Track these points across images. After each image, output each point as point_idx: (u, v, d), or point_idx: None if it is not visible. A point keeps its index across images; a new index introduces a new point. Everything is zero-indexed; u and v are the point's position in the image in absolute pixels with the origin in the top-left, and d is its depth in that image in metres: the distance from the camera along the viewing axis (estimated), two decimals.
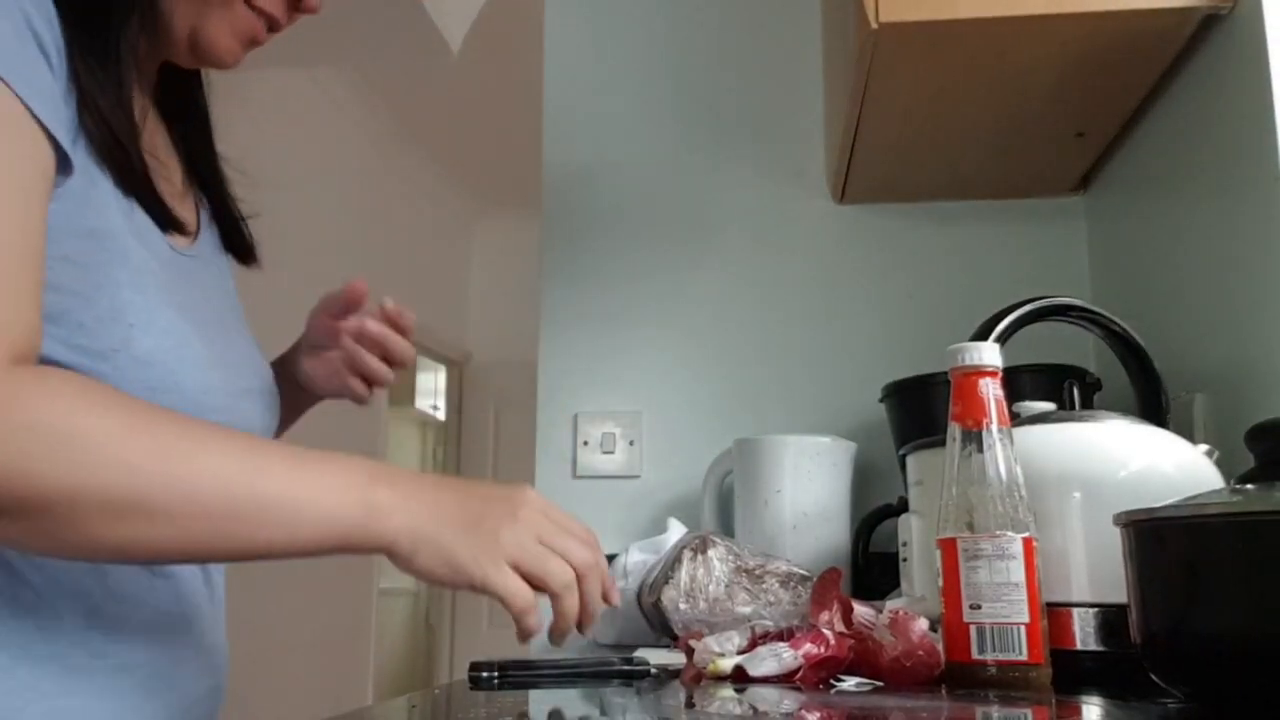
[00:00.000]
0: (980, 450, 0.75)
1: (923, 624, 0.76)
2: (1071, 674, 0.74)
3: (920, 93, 1.31)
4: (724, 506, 1.49)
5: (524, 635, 0.68)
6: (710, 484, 1.51)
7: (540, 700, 0.74)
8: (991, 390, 0.77)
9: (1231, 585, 0.60)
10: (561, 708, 0.71)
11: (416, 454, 5.49)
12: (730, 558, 1.04)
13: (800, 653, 0.76)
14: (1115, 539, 0.68)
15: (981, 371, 0.77)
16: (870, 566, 1.36)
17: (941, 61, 1.23)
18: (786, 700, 0.69)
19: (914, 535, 1.02)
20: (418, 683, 5.21)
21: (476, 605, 4.79)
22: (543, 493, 1.71)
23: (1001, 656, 0.71)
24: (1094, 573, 0.78)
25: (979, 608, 0.72)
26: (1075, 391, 0.92)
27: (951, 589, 0.73)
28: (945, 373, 0.79)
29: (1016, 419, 0.85)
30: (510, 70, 3.65)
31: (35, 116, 0.63)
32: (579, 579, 0.69)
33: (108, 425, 0.60)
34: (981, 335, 0.99)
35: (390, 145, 4.51)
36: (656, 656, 0.84)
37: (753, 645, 0.81)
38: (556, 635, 0.70)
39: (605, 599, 0.71)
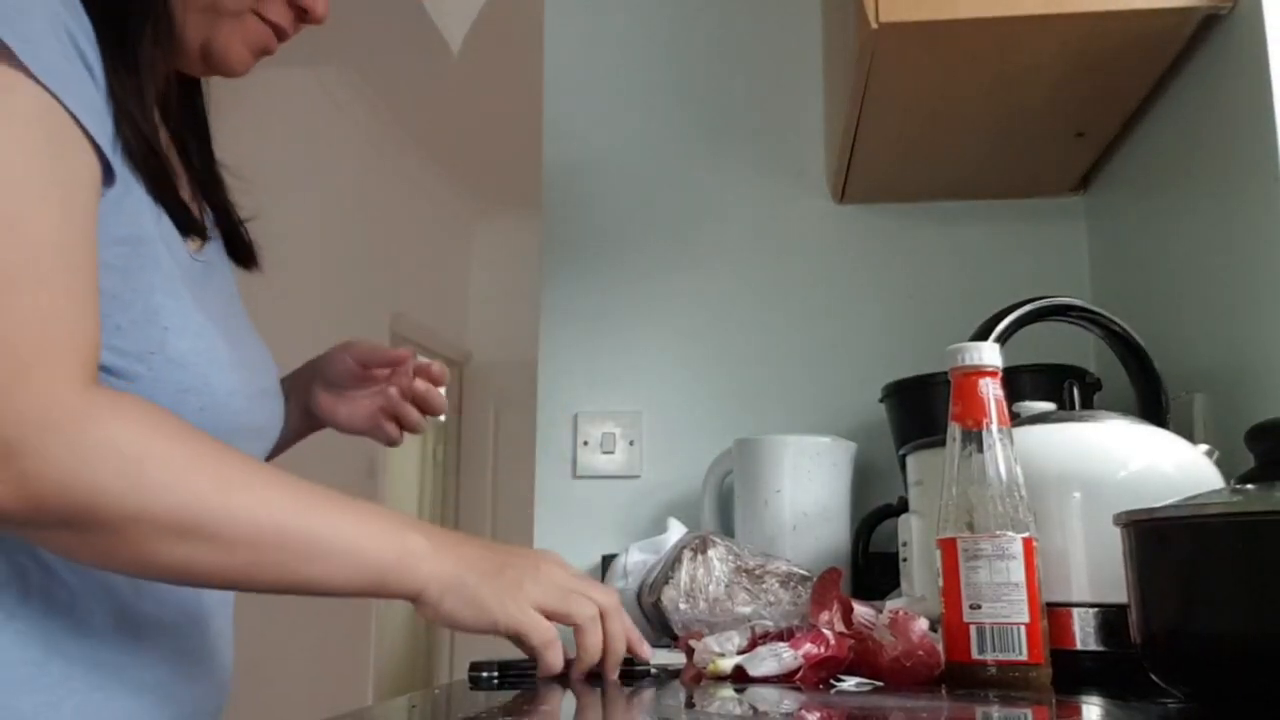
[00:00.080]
0: (980, 450, 0.75)
1: (923, 624, 0.76)
2: (1071, 674, 0.74)
3: (920, 93, 1.31)
4: (724, 506, 1.49)
5: (546, 671, 0.71)
6: (710, 484, 1.51)
7: (540, 700, 0.74)
8: (991, 390, 0.77)
9: (1231, 585, 0.60)
10: (561, 708, 0.71)
11: (416, 454, 5.50)
12: (730, 558, 1.04)
13: (800, 653, 0.76)
14: (1115, 539, 0.68)
15: (981, 371, 0.77)
16: (870, 566, 1.36)
17: (941, 61, 1.23)
18: (786, 700, 0.69)
19: (914, 535, 1.02)
20: (418, 683, 5.21)
21: None
22: (543, 492, 1.72)
23: (1001, 656, 0.71)
24: (1094, 573, 0.78)
25: (979, 608, 0.72)
26: (1075, 391, 0.92)
27: (951, 589, 0.73)
28: (945, 373, 0.79)
29: (1016, 419, 0.85)
30: (510, 70, 3.65)
31: (85, 130, 0.66)
32: (603, 617, 0.72)
33: (175, 452, 0.64)
34: (981, 335, 0.99)
35: (390, 145, 4.51)
36: (656, 656, 0.84)
37: (753, 645, 0.81)
38: (579, 670, 0.73)
39: (632, 651, 0.75)
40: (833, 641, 0.77)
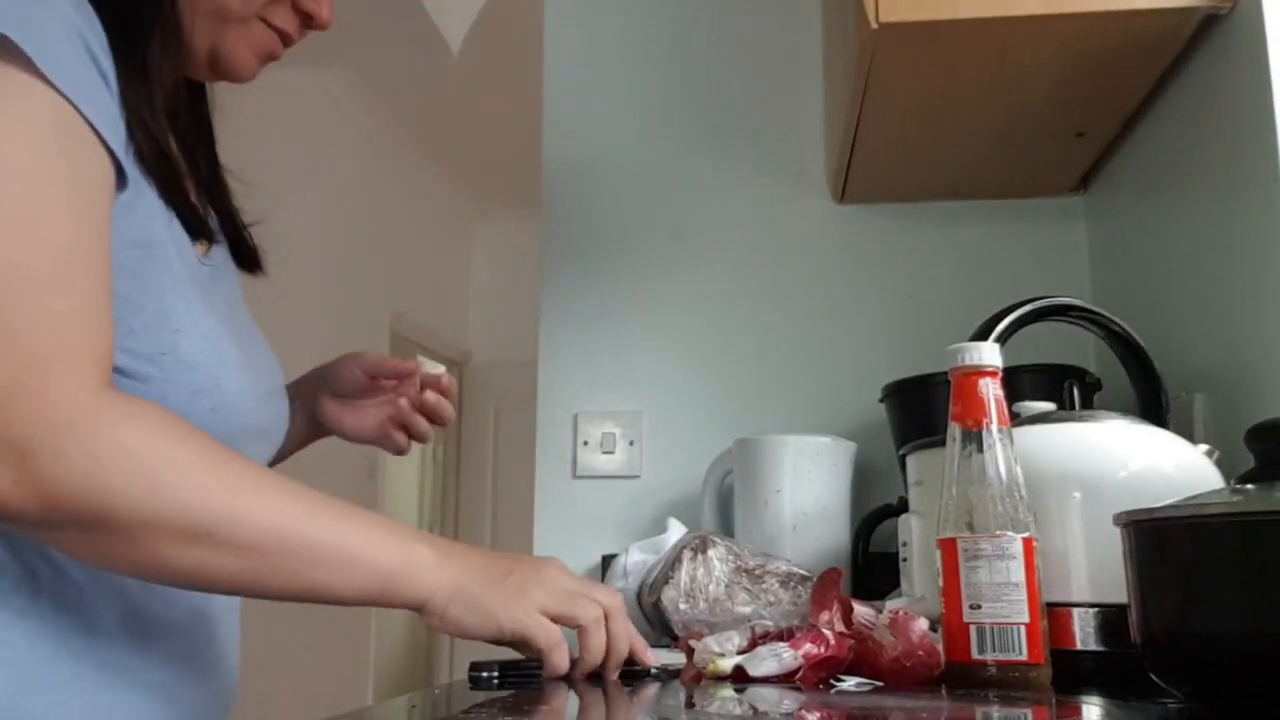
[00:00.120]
0: (980, 450, 0.75)
1: (923, 624, 0.76)
2: (1071, 674, 0.74)
3: (920, 93, 1.31)
4: (724, 506, 1.49)
5: (553, 672, 0.72)
6: (710, 484, 1.51)
7: (540, 700, 0.74)
8: (991, 390, 0.77)
9: (1231, 585, 0.60)
10: (562, 707, 0.71)
11: (417, 454, 5.49)
12: (730, 558, 1.04)
13: (800, 653, 0.76)
14: (1115, 539, 0.68)
15: (981, 371, 0.77)
16: (870, 566, 1.36)
17: (941, 61, 1.23)
18: (786, 700, 0.69)
19: (914, 535, 1.02)
20: (418, 683, 5.21)
21: None
22: (543, 492, 1.72)
23: (1001, 656, 0.71)
24: (1094, 573, 0.78)
25: (979, 608, 0.72)
26: (1075, 391, 0.92)
27: (951, 589, 0.73)
28: (945, 373, 0.79)
29: (1016, 419, 0.85)
30: (510, 70, 3.65)
31: (99, 135, 0.67)
32: (606, 619, 0.73)
33: (187, 457, 0.65)
34: (981, 335, 0.99)
35: (390, 145, 4.51)
36: (657, 656, 0.84)
37: (752, 645, 0.81)
38: (582, 670, 0.74)
39: (635, 656, 0.76)
40: (833, 641, 0.77)
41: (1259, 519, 0.59)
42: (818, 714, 0.65)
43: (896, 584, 1.08)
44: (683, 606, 1.02)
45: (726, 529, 1.46)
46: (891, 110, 1.36)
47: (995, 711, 0.65)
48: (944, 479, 0.76)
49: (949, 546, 0.74)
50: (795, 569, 1.05)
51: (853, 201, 1.67)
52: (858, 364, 1.62)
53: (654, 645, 0.90)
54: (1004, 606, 0.71)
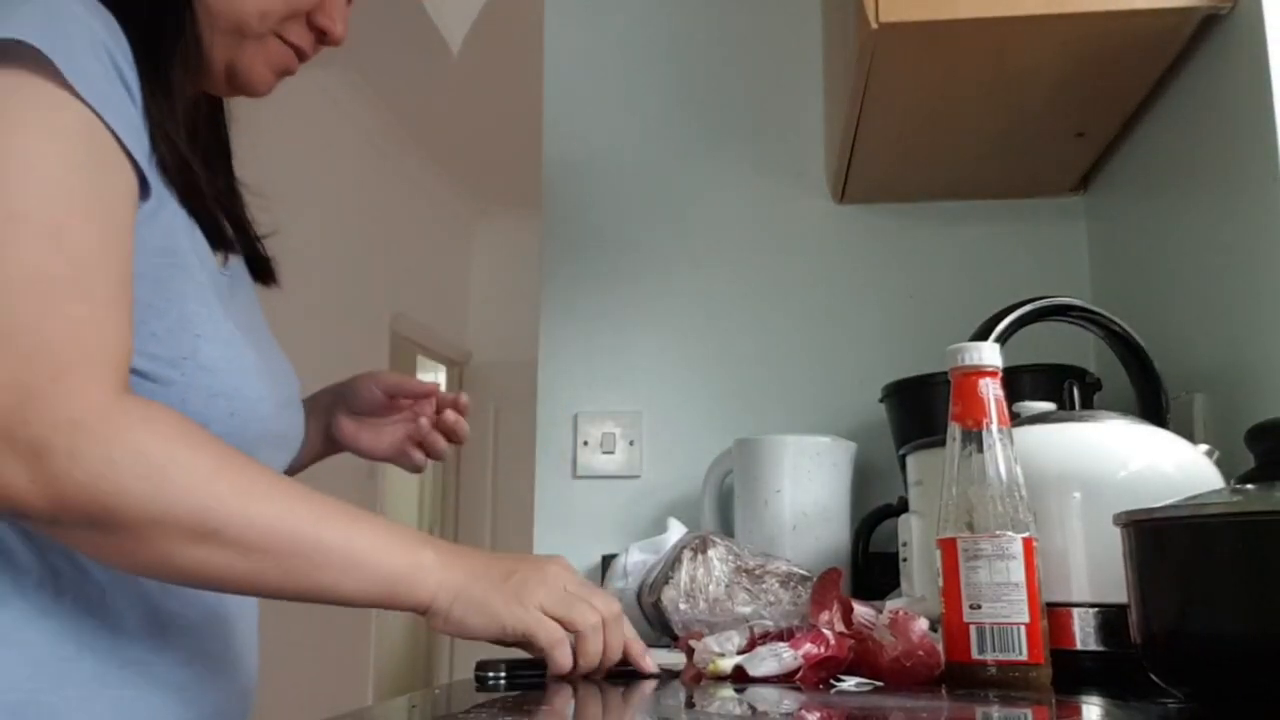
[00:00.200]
0: (980, 450, 0.75)
1: (923, 624, 0.76)
2: (1071, 674, 0.74)
3: (920, 93, 1.31)
4: (724, 506, 1.49)
5: (556, 669, 0.73)
6: (710, 484, 1.51)
7: (542, 700, 0.74)
8: (991, 390, 0.77)
9: (1231, 585, 0.60)
10: (562, 708, 0.71)
11: None
12: (730, 558, 1.04)
13: (800, 653, 0.76)
14: (1115, 539, 0.68)
15: (981, 371, 0.77)
16: (870, 566, 1.36)
17: (941, 61, 1.23)
18: (786, 700, 0.69)
19: (914, 535, 1.02)
20: (418, 683, 5.21)
21: None
22: (543, 492, 1.71)
23: (1001, 656, 0.71)
24: (1094, 573, 0.78)
25: (979, 608, 0.72)
26: (1075, 391, 0.92)
27: (951, 589, 0.73)
28: (945, 373, 0.79)
29: (1016, 419, 0.85)
30: (510, 71, 3.65)
31: (124, 146, 0.69)
32: (605, 623, 0.74)
33: (197, 459, 0.66)
34: (981, 335, 0.99)
35: (391, 145, 4.51)
36: (657, 657, 0.84)
37: (753, 645, 0.81)
38: (577, 674, 0.75)
39: (635, 662, 0.77)
40: (833, 641, 0.77)
41: (1259, 519, 0.59)
42: (818, 714, 0.65)
43: (896, 584, 1.08)
44: (683, 606, 1.02)
45: (726, 529, 1.45)
46: (891, 110, 1.36)
47: (995, 711, 0.65)
48: (944, 479, 0.76)
49: (949, 546, 0.74)
50: (795, 569, 1.05)
51: (853, 201, 1.67)
52: (858, 364, 1.62)
53: (654, 645, 0.90)
54: (1004, 606, 0.71)
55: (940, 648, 0.74)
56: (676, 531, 1.34)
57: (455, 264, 5.36)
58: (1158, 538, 0.64)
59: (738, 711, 0.67)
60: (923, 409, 1.36)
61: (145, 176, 0.72)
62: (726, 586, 1.02)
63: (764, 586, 1.02)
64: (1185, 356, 1.21)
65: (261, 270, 0.95)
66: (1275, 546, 0.58)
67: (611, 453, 1.66)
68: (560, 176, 1.77)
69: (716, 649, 0.81)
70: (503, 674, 0.75)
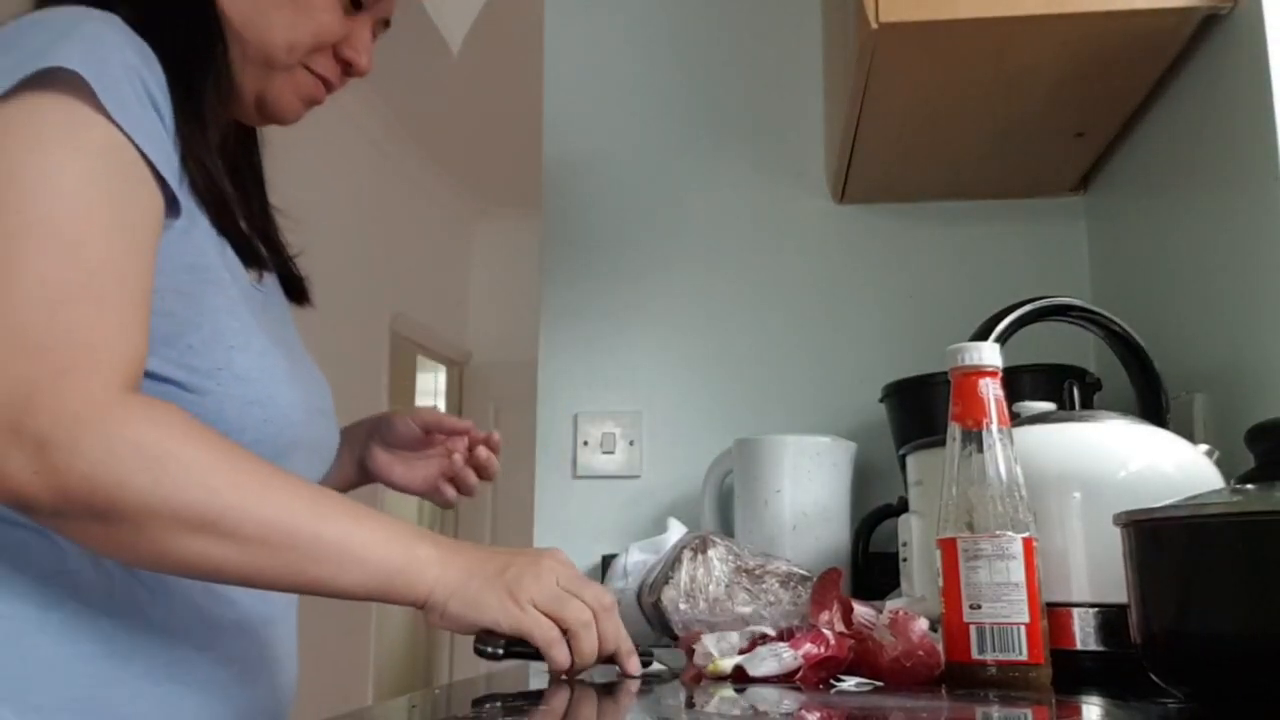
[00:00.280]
0: (980, 450, 0.75)
1: (923, 624, 0.76)
2: (1071, 674, 0.74)
3: (920, 92, 1.31)
4: (724, 506, 1.49)
5: (554, 668, 0.73)
6: (710, 484, 1.51)
7: (541, 700, 0.74)
8: (991, 390, 0.77)
9: (1231, 585, 0.60)
10: (560, 707, 0.71)
11: None
12: (730, 558, 1.04)
13: (800, 653, 0.76)
14: (1115, 539, 0.68)
15: (981, 371, 0.77)
16: (870, 566, 1.36)
17: (941, 61, 1.23)
18: (786, 700, 0.69)
19: (914, 535, 1.02)
20: (418, 683, 5.21)
21: None
22: (543, 492, 1.71)
23: (1001, 656, 0.71)
24: (1094, 573, 0.78)
25: (979, 608, 0.72)
26: (1075, 391, 0.92)
27: (951, 589, 0.73)
28: (945, 373, 0.79)
29: (1016, 419, 0.85)
30: (510, 70, 3.65)
31: (152, 165, 0.73)
32: (596, 617, 0.74)
33: (196, 453, 0.68)
34: (981, 335, 0.99)
35: (391, 145, 4.51)
36: (656, 657, 0.84)
37: (753, 645, 0.81)
38: (573, 672, 0.75)
39: (620, 662, 0.77)
40: (833, 641, 0.77)
41: (1259, 519, 0.59)
42: (818, 714, 0.65)
43: (896, 584, 1.08)
44: (683, 606, 1.02)
45: (726, 529, 1.46)
46: (891, 110, 1.36)
47: (995, 711, 0.65)
48: (944, 479, 0.76)
49: (949, 546, 0.74)
50: (795, 569, 1.05)
51: (853, 201, 1.67)
52: (858, 364, 1.62)
53: (654, 645, 0.90)
54: (1004, 606, 0.71)
55: (940, 648, 0.74)
56: (676, 531, 1.34)
57: (455, 264, 5.36)
58: (1157, 538, 0.64)
59: (738, 711, 0.67)
60: (923, 409, 1.36)
61: (175, 196, 0.76)
62: (726, 586, 1.02)
63: (764, 586, 1.02)
64: (1185, 356, 1.21)
65: (295, 289, 0.99)
66: (1275, 546, 0.58)
67: (611, 453, 1.66)
68: (560, 176, 1.77)
69: (716, 649, 0.81)
70: (501, 646, 0.75)
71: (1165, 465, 0.82)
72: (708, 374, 1.67)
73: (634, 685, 0.77)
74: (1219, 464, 0.84)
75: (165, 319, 0.75)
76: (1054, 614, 0.75)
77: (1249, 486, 0.64)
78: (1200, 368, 1.19)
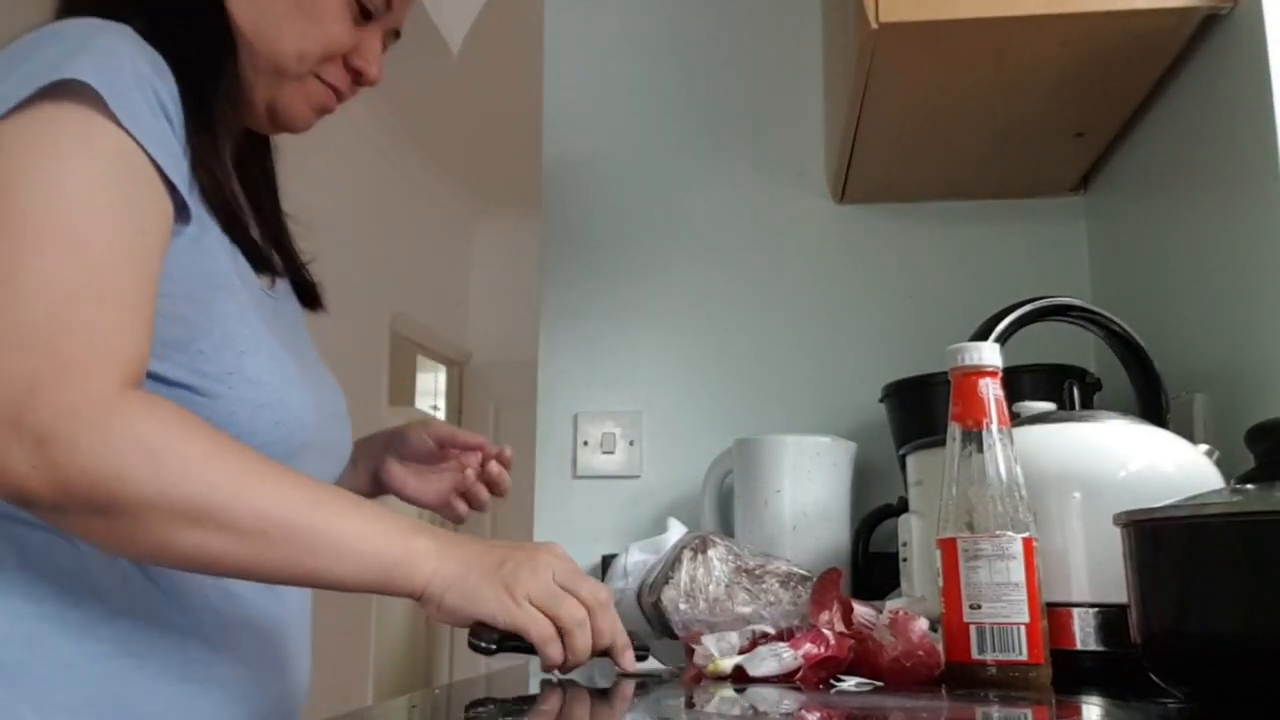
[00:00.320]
0: (980, 450, 0.75)
1: (923, 624, 0.76)
2: (1071, 674, 0.74)
3: (920, 92, 1.31)
4: (724, 506, 1.49)
5: (547, 665, 0.74)
6: (710, 484, 1.51)
7: (541, 700, 0.74)
8: (991, 390, 0.77)
9: (1231, 585, 0.60)
10: (558, 709, 0.71)
11: None
12: (730, 558, 1.04)
13: (800, 653, 0.76)
14: (1115, 539, 0.68)
15: (981, 371, 0.77)
16: (870, 566, 1.36)
17: (941, 61, 1.23)
18: (786, 700, 0.69)
19: (914, 535, 1.02)
20: (418, 683, 5.21)
21: None
22: (543, 492, 1.71)
23: (1001, 656, 0.71)
24: (1094, 573, 0.78)
25: (979, 608, 0.72)
26: (1075, 391, 0.92)
27: (951, 589, 0.73)
28: (945, 373, 0.79)
29: (1016, 419, 0.85)
30: (510, 70, 3.65)
31: (161, 171, 0.74)
32: (591, 612, 0.74)
33: (194, 447, 0.69)
34: (981, 335, 0.99)
35: (390, 145, 4.51)
36: (650, 662, 0.84)
37: (753, 645, 0.81)
38: (566, 668, 0.75)
39: (613, 657, 0.76)
40: (833, 641, 0.77)
41: (1259, 519, 0.59)
42: (818, 714, 0.65)
43: (896, 584, 1.08)
44: (683, 606, 1.02)
45: (726, 529, 1.45)
46: (891, 110, 1.36)
47: (995, 711, 0.65)
48: (944, 479, 0.76)
49: (949, 546, 0.74)
50: (795, 569, 1.05)
51: (853, 201, 1.67)
52: (858, 364, 1.62)
53: (648, 638, 0.90)
54: (1004, 606, 0.71)
55: (940, 648, 0.74)
56: (676, 531, 1.34)
57: (455, 264, 5.36)
58: (1157, 538, 0.64)
59: (737, 711, 0.67)
60: (923, 409, 1.36)
61: (185, 202, 0.77)
62: (726, 586, 1.02)
63: (764, 586, 1.02)
64: (1185, 356, 1.21)
65: (308, 295, 1.01)
66: (1275, 546, 0.58)
67: (611, 453, 1.66)
68: (560, 176, 1.77)
69: (716, 649, 0.81)
70: (495, 640, 0.75)
71: (1165, 465, 0.82)
72: (708, 374, 1.67)
73: (629, 690, 0.77)
74: (1219, 464, 0.84)
75: (177, 325, 0.77)
76: (1054, 614, 0.75)
77: (1249, 486, 0.64)
78: (1200, 368, 1.19)
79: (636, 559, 1.29)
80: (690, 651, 0.84)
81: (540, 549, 0.77)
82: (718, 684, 0.77)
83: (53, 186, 0.70)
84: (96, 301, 0.69)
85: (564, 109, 1.78)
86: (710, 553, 1.04)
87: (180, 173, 0.77)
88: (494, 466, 1.08)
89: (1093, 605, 0.78)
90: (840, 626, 0.79)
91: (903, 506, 1.12)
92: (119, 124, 0.72)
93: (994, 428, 0.75)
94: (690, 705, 0.70)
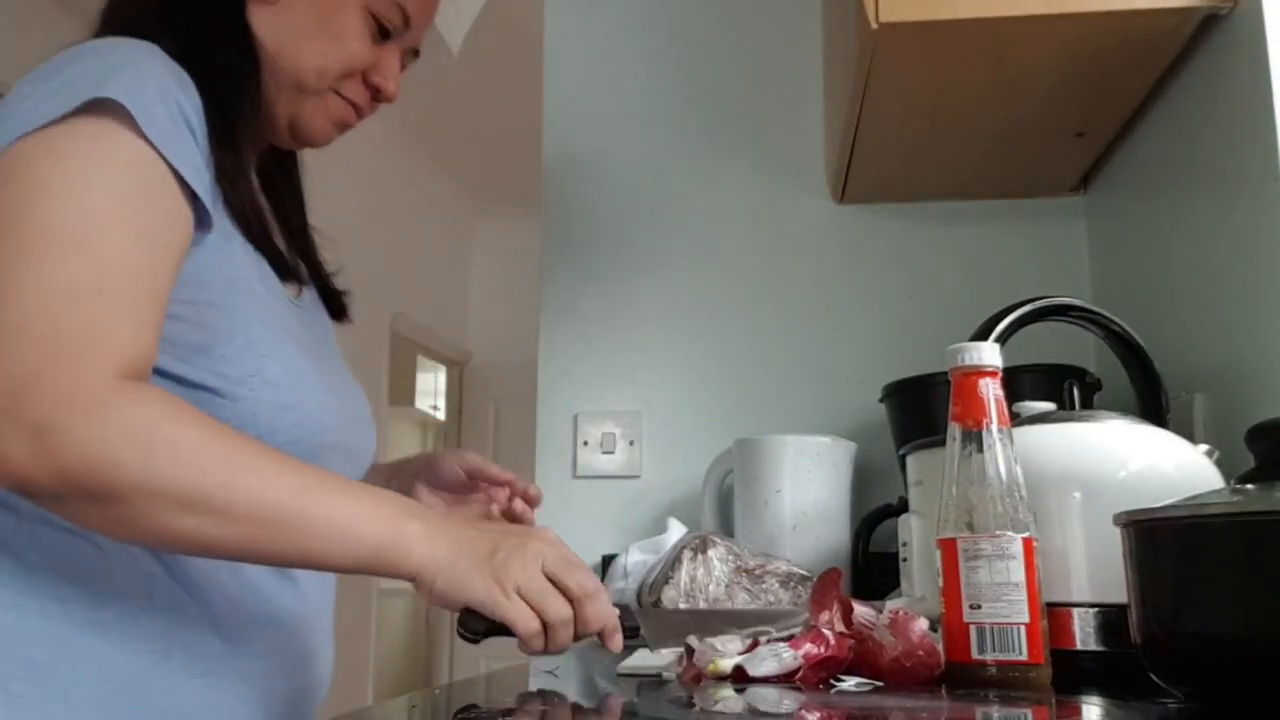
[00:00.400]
0: (980, 450, 0.75)
1: (923, 624, 0.76)
2: (1071, 674, 0.74)
3: (920, 93, 1.31)
4: (724, 506, 1.49)
5: (527, 652, 0.75)
6: (710, 484, 1.51)
7: (540, 700, 0.74)
8: (991, 390, 0.77)
9: (1231, 585, 0.59)
10: (560, 708, 0.71)
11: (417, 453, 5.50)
12: (730, 558, 1.04)
13: (800, 653, 0.76)
14: (1115, 539, 0.68)
15: (981, 371, 0.77)
16: (870, 566, 1.36)
17: (941, 62, 1.23)
18: (786, 700, 0.69)
19: (914, 535, 1.02)
20: (418, 683, 5.21)
21: None
22: (542, 492, 1.71)
23: (1001, 656, 0.71)
24: (1094, 573, 0.78)
25: (979, 608, 0.72)
26: (1075, 391, 0.92)
27: (951, 589, 0.73)
28: (945, 373, 0.79)
29: (1016, 419, 0.85)
30: (510, 70, 3.65)
31: (184, 182, 0.77)
32: (579, 603, 0.75)
33: (186, 435, 0.70)
34: (981, 335, 0.99)
35: (390, 145, 4.51)
36: (651, 659, 0.84)
37: (753, 645, 0.81)
38: (547, 653, 0.76)
39: (603, 639, 0.77)
40: (833, 641, 0.77)
41: (1259, 519, 0.59)
42: (818, 714, 0.65)
43: (896, 584, 1.08)
44: (683, 606, 1.02)
45: (726, 529, 1.46)
46: (891, 110, 1.36)
47: (995, 711, 0.65)
48: (944, 479, 0.76)
49: (949, 546, 0.74)
50: (795, 569, 1.05)
51: (853, 201, 1.67)
52: (858, 364, 1.62)
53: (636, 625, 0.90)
54: (1004, 606, 0.71)
55: (940, 648, 0.74)
56: (676, 531, 1.34)
57: (455, 264, 5.36)
58: (1157, 538, 0.64)
59: (738, 711, 0.67)
60: (923, 409, 1.36)
61: (207, 211, 0.79)
62: (726, 586, 1.02)
63: (764, 586, 1.02)
64: (1185, 356, 1.21)
65: (335, 305, 1.04)
66: (1275, 546, 0.58)
67: (611, 453, 1.66)
68: (560, 176, 1.77)
69: (716, 649, 0.81)
70: (482, 628, 0.75)
71: (1165, 465, 0.82)
72: (708, 374, 1.67)
73: (620, 700, 0.77)
74: (1219, 464, 0.84)
75: (200, 330, 0.79)
76: (1054, 614, 0.75)
77: (1249, 486, 0.64)
78: (1200, 368, 1.19)
79: (636, 559, 1.29)
80: (690, 651, 0.84)
81: (532, 536, 0.77)
82: (718, 684, 0.77)
83: (66, 193, 0.72)
84: (98, 299, 0.71)
85: (564, 109, 1.78)
86: (710, 553, 1.04)
87: (202, 182, 0.79)
88: (518, 504, 1.09)
89: (1093, 605, 0.78)
90: (840, 626, 0.79)
91: (903, 506, 1.12)
92: (141, 135, 0.74)
93: (994, 428, 0.75)
94: (690, 705, 0.69)
